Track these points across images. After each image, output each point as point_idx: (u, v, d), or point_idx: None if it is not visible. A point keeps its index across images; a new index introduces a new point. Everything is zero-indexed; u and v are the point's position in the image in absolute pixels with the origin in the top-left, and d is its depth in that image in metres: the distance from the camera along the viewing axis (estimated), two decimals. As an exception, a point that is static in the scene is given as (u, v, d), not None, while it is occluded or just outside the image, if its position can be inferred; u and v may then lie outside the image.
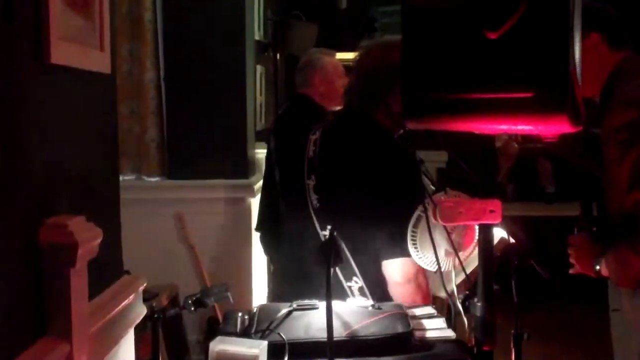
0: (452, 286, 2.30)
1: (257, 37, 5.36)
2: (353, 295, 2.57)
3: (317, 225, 2.62)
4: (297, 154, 2.75)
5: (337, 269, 2.52)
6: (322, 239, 2.55)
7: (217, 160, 4.80)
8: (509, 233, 2.67)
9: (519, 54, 1.80)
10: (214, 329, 4.24)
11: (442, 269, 2.34)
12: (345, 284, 2.58)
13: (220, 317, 4.06)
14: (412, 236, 2.36)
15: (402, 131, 2.63)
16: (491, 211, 2.03)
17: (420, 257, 2.38)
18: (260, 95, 5.60)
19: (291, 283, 2.74)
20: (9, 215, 1.58)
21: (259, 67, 5.47)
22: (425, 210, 2.28)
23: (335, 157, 2.68)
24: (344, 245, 2.46)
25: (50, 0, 1.68)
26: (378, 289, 2.58)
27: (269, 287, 4.91)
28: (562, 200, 6.83)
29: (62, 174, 1.83)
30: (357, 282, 2.58)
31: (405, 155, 2.54)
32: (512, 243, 2.64)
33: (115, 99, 2.28)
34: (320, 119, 4.42)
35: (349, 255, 2.54)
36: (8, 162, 1.56)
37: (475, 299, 2.06)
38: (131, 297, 2.19)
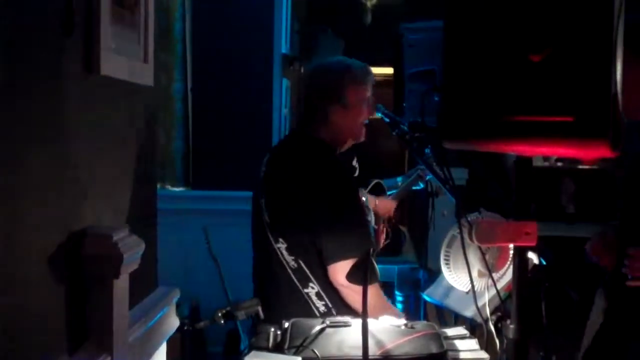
0: (486, 308, 2.30)
1: (284, 50, 5.39)
2: (311, 300, 2.69)
3: (271, 239, 2.75)
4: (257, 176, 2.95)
5: (293, 277, 2.70)
6: (278, 252, 2.72)
7: (242, 172, 4.80)
8: (539, 254, 2.67)
9: (561, 78, 1.80)
10: (233, 342, 4.24)
11: (475, 289, 2.34)
12: (303, 291, 2.70)
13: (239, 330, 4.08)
14: (446, 256, 2.36)
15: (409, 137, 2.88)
16: (527, 233, 2.04)
17: (453, 277, 2.38)
18: (286, 107, 5.62)
19: (260, 295, 2.83)
20: (55, 225, 1.60)
21: (284, 81, 5.50)
22: (460, 231, 2.29)
23: (279, 173, 2.82)
24: (296, 254, 2.68)
25: (101, 14, 1.71)
26: (334, 291, 2.67)
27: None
28: (583, 221, 6.80)
29: (106, 185, 1.85)
30: (313, 288, 2.69)
31: (339, 165, 2.79)
32: (542, 265, 2.64)
33: (156, 112, 2.30)
34: None
35: (302, 263, 2.69)
36: (57, 172, 1.58)
37: (508, 321, 2.06)
38: (166, 308, 2.20)
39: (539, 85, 1.82)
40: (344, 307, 2.65)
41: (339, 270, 2.63)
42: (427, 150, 3.27)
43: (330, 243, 2.64)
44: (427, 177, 3.84)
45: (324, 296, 2.68)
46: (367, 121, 2.93)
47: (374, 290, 2.63)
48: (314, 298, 2.69)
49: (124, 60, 1.92)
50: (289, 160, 2.84)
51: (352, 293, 2.61)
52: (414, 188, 4.19)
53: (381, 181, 4.09)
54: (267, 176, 2.85)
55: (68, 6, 1.52)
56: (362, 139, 2.95)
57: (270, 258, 2.75)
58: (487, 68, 1.92)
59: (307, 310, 2.65)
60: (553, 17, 1.80)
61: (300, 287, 2.70)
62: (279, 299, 2.73)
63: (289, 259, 2.70)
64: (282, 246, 2.71)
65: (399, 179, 4.11)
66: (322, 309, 2.68)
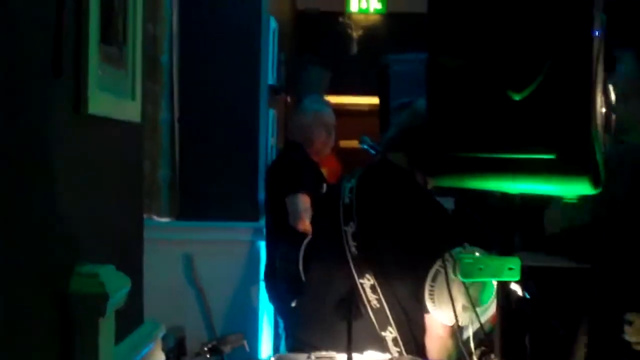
0: (470, 342, 2.32)
1: (270, 81, 5.43)
2: (387, 345, 2.56)
3: (354, 272, 2.58)
4: (330, 200, 2.76)
5: (373, 318, 2.52)
6: (359, 286, 2.54)
7: (228, 203, 4.83)
8: (523, 288, 2.69)
9: (542, 116, 1.84)
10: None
11: (460, 324, 2.35)
12: (380, 333, 2.56)
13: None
14: (430, 290, 2.38)
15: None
16: (510, 269, 2.06)
17: (438, 312, 2.39)
18: (272, 137, 5.65)
19: (320, 331, 2.69)
20: (41, 263, 1.60)
21: (271, 111, 5.53)
22: (444, 266, 2.31)
23: (377, 205, 2.68)
24: (381, 294, 2.50)
25: (89, 55, 1.73)
26: (412, 341, 2.58)
27: (286, 334, 4.88)
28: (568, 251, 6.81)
29: (92, 223, 1.86)
30: (391, 333, 2.55)
31: (442, 209, 2.65)
32: (526, 298, 2.66)
33: (142, 148, 2.32)
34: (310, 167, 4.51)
35: (385, 304, 2.54)
36: (43, 210, 1.59)
37: (492, 355, 2.07)
38: (152, 345, 2.21)
39: (522, 123, 1.86)
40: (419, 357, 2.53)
41: (439, 319, 2.50)
42: None
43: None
44: None
45: (400, 343, 2.55)
46: None
47: (452, 347, 2.55)
48: (390, 343, 2.55)
49: (112, 98, 1.94)
50: (387, 191, 2.71)
51: (447, 344, 2.53)
52: None
53: None
54: (359, 204, 2.67)
55: (57, 50, 1.53)
56: None
57: (348, 291, 2.51)
58: (470, 106, 1.95)
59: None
60: (534, 56, 1.84)
61: (378, 330, 2.55)
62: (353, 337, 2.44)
63: (372, 297, 2.54)
64: (366, 282, 2.55)
65: None
66: (395, 355, 2.52)
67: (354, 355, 2.10)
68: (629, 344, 2.58)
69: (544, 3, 1.86)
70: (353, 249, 2.59)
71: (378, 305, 2.54)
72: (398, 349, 2.53)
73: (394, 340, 2.55)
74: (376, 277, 2.52)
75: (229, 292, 4.75)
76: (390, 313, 2.54)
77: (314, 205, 3.71)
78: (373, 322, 2.53)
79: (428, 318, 2.55)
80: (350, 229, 2.62)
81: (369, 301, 2.53)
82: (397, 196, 2.69)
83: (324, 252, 2.75)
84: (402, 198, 2.68)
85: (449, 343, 2.54)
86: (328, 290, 2.66)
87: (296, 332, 2.85)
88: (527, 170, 1.86)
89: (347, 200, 2.69)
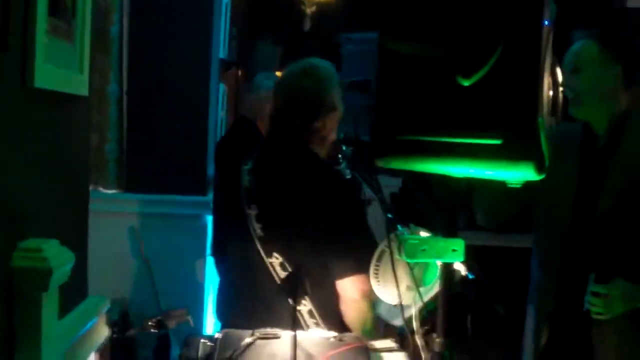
0: (413, 321, 2.35)
1: (221, 55, 5.39)
2: (304, 318, 2.58)
3: (262, 253, 2.61)
4: (232, 184, 2.76)
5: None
6: (269, 266, 2.57)
7: (176, 176, 4.79)
8: (467, 268, 2.73)
9: (490, 102, 1.86)
10: (163, 346, 4.23)
11: (404, 304, 2.38)
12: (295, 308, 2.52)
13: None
14: (375, 270, 2.40)
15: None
16: (454, 250, 2.10)
17: (382, 291, 2.42)
18: (222, 110, 5.62)
19: (245, 310, 2.70)
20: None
21: (221, 85, 5.50)
22: (389, 245, 2.33)
23: (275, 186, 2.70)
24: (290, 270, 2.52)
25: (37, 28, 1.71)
26: (327, 310, 2.60)
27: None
28: (512, 231, 6.92)
29: (38, 197, 1.85)
30: (305, 306, 2.59)
31: (342, 178, 2.64)
32: (470, 278, 2.70)
33: (89, 121, 2.30)
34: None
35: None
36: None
37: (434, 335, 2.11)
38: (96, 319, 2.20)
39: (469, 108, 1.88)
40: (335, 326, 2.57)
41: (350, 285, 2.57)
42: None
43: (341, 257, 2.56)
44: (347, 177, 3.86)
45: (315, 314, 2.58)
46: None
47: (371, 316, 2.61)
48: (306, 315, 2.58)
49: (59, 71, 1.92)
50: (285, 170, 2.72)
51: (362, 307, 2.58)
52: None
53: None
54: (259, 186, 2.71)
55: (3, 25, 1.51)
56: None
57: (259, 271, 2.59)
58: (418, 89, 1.97)
59: (297, 327, 2.41)
60: (483, 43, 1.86)
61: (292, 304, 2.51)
62: (265, 314, 2.54)
63: (282, 274, 2.57)
64: (275, 261, 2.58)
65: None
66: (312, 327, 2.56)
67: (298, 333, 2.12)
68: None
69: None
70: (258, 231, 2.62)
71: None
72: (314, 320, 2.56)
73: (309, 312, 2.58)
74: (283, 255, 2.54)
75: (174, 266, 4.72)
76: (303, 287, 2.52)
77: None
78: (287, 299, 2.48)
79: (340, 284, 2.59)
80: (253, 211, 2.65)
81: (279, 278, 2.56)
82: (292, 171, 2.70)
83: (234, 235, 2.77)
84: (297, 171, 2.70)
85: (364, 305, 2.58)
86: (242, 271, 2.71)
87: (217, 312, 2.88)
88: (472, 155, 1.88)
89: (247, 183, 2.71)
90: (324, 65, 2.83)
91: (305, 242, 2.57)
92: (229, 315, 2.80)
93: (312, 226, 2.59)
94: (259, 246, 2.61)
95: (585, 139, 2.83)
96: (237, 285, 2.78)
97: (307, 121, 2.72)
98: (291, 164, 2.73)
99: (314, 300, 2.59)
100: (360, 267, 2.48)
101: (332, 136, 2.78)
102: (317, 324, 2.57)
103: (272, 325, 2.42)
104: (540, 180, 1.86)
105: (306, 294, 2.24)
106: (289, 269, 2.55)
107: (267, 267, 2.58)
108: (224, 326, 2.69)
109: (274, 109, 2.84)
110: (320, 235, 2.57)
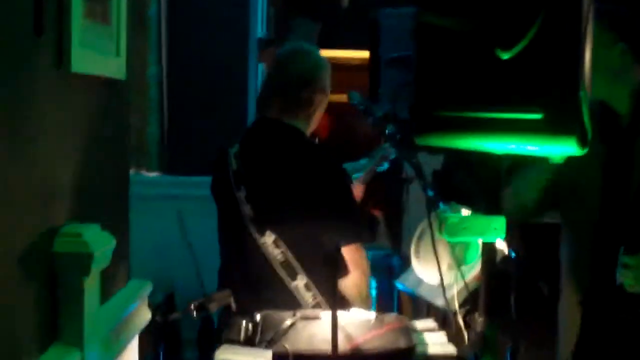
0: (455, 301, 2.33)
1: (259, 35, 5.37)
2: (300, 292, 2.64)
3: (255, 233, 2.67)
4: (221, 169, 2.85)
5: (280, 271, 2.63)
6: (262, 245, 2.64)
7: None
8: (509, 247, 2.70)
9: (530, 76, 1.82)
10: (207, 329, 4.25)
11: (445, 283, 2.37)
12: (291, 284, 2.64)
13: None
14: (416, 249, 2.39)
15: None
16: (495, 228, 2.07)
17: (423, 270, 2.41)
18: (262, 91, 5.61)
19: (249, 290, 2.75)
20: (26, 222, 1.60)
21: (260, 65, 5.48)
22: (430, 225, 2.31)
23: (262, 165, 2.76)
24: (284, 247, 2.61)
25: (72, 11, 1.71)
26: (323, 282, 2.64)
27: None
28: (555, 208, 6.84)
29: (78, 182, 1.85)
30: (302, 280, 2.64)
31: (328, 151, 2.78)
32: (512, 257, 2.67)
33: (128, 105, 2.30)
34: None
35: (290, 255, 2.63)
36: (26, 170, 1.58)
37: (476, 314, 2.09)
38: (138, 303, 2.21)
39: (509, 82, 1.85)
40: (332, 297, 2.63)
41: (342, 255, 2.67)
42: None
43: (330, 229, 2.63)
44: (392, 157, 3.85)
45: (313, 287, 2.64)
46: None
47: (365, 283, 2.73)
48: (302, 290, 2.64)
49: (96, 55, 1.92)
50: (272, 152, 2.77)
51: (355, 277, 2.67)
52: (378, 169, 4.19)
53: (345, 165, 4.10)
54: (247, 168, 2.76)
55: (38, 8, 1.51)
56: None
57: (252, 253, 2.67)
58: (457, 64, 1.94)
59: (295, 303, 2.60)
60: (522, 15, 1.82)
61: (288, 280, 2.64)
62: (263, 293, 2.64)
63: (276, 252, 2.63)
64: (268, 240, 2.65)
65: (363, 161, 4.12)
66: (310, 300, 2.63)
67: (339, 313, 2.12)
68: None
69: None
70: (249, 212, 2.68)
71: (283, 259, 2.63)
72: (311, 293, 2.62)
73: (306, 285, 2.63)
74: (276, 232, 2.62)
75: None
76: (297, 261, 2.63)
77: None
78: (282, 276, 2.62)
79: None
80: (242, 193, 2.70)
81: (273, 256, 2.62)
82: (278, 149, 2.76)
83: (226, 217, 2.86)
84: (283, 150, 2.76)
85: (356, 275, 2.60)
86: (238, 254, 2.79)
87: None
88: (513, 130, 1.85)
89: (234, 166, 2.77)
90: (310, 50, 2.95)
91: (295, 216, 2.64)
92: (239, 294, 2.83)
93: (301, 201, 2.66)
94: (250, 227, 2.66)
95: (604, 117, 2.77)
96: (232, 269, 2.85)
97: (293, 103, 2.79)
98: (276, 143, 2.79)
99: (309, 274, 2.65)
100: (349, 237, 2.52)
101: (318, 117, 2.89)
102: (314, 297, 2.64)
103: (272, 304, 2.50)
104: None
105: (347, 273, 2.25)
106: (282, 247, 2.62)
107: (260, 247, 2.65)
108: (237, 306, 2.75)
109: (260, 93, 2.90)
110: (309, 209, 2.64)
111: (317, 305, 2.61)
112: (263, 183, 2.72)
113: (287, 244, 2.62)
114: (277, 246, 2.63)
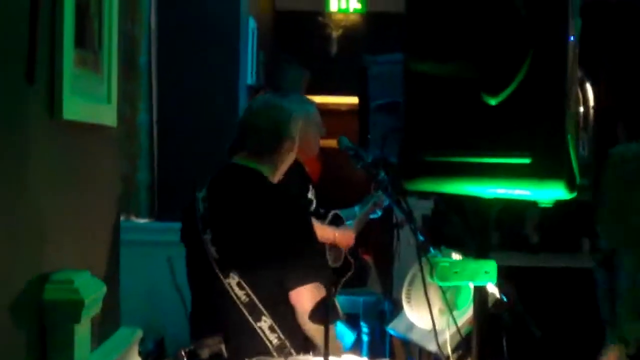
0: (447, 346, 2.33)
1: (249, 82, 5.41)
2: (265, 333, 2.68)
3: (220, 274, 2.72)
4: (188, 213, 2.94)
5: (245, 312, 2.67)
6: (227, 287, 2.69)
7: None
8: (500, 290, 2.70)
9: (517, 120, 1.85)
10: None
11: (437, 328, 2.36)
12: (256, 325, 2.68)
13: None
14: (407, 294, 2.39)
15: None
16: (486, 272, 2.07)
17: (415, 315, 2.40)
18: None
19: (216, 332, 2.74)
20: (15, 270, 1.60)
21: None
22: (421, 269, 2.31)
23: (227, 208, 2.83)
24: (248, 289, 2.66)
25: (64, 60, 1.72)
26: (287, 324, 2.70)
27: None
28: (547, 251, 6.85)
29: (68, 229, 1.86)
30: (265, 322, 2.68)
31: (289, 194, 2.89)
32: (504, 301, 2.67)
33: (119, 152, 2.31)
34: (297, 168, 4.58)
35: (254, 296, 2.67)
36: (17, 216, 1.59)
37: (469, 359, 2.08)
38: (129, 350, 2.20)
39: (497, 127, 1.87)
40: (297, 339, 2.68)
41: (303, 296, 2.66)
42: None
43: (291, 269, 2.67)
44: (385, 204, 3.87)
45: (277, 329, 2.68)
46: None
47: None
48: (267, 331, 2.68)
49: (87, 102, 1.93)
50: (236, 196, 2.85)
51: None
52: (371, 216, 4.21)
53: (339, 212, 4.11)
54: (212, 211, 2.83)
55: (30, 56, 1.53)
56: None
57: (218, 295, 2.72)
58: (445, 109, 1.96)
59: (259, 345, 2.64)
60: (509, 61, 1.85)
61: (253, 322, 2.67)
62: (230, 335, 2.64)
63: (240, 293, 2.68)
64: (232, 281, 2.69)
65: (357, 208, 4.15)
66: (275, 342, 2.67)
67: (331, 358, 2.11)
68: None
69: (520, 9, 1.87)
70: (214, 254, 2.74)
71: (247, 299, 2.67)
72: (276, 334, 2.67)
73: (270, 327, 2.68)
74: (240, 275, 2.67)
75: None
76: (261, 303, 2.68)
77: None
78: (247, 317, 2.67)
79: (294, 296, 2.68)
80: (208, 236, 2.77)
81: (238, 297, 2.68)
82: (242, 193, 2.84)
83: (194, 261, 2.93)
84: (246, 193, 2.83)
85: None
86: (206, 297, 2.88)
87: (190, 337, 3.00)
88: (501, 174, 1.87)
89: (201, 209, 2.85)
90: (281, 102, 3.07)
91: (257, 258, 2.71)
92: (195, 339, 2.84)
93: (263, 242, 2.72)
94: (216, 268, 2.72)
95: None
96: (200, 310, 2.95)
97: (260, 150, 2.89)
98: (239, 187, 2.88)
99: (273, 316, 2.69)
100: (311, 276, 2.56)
101: (286, 164, 2.98)
102: (279, 338, 2.68)
103: (233, 347, 2.54)
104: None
105: (339, 318, 2.26)
106: (246, 288, 2.67)
107: (225, 289, 2.70)
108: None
109: (233, 140, 3.02)
110: (271, 250, 2.70)
111: (281, 347, 2.65)
112: (226, 225, 2.79)
113: (249, 285, 2.68)
114: (241, 288, 2.68)
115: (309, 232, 2.83)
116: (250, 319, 2.68)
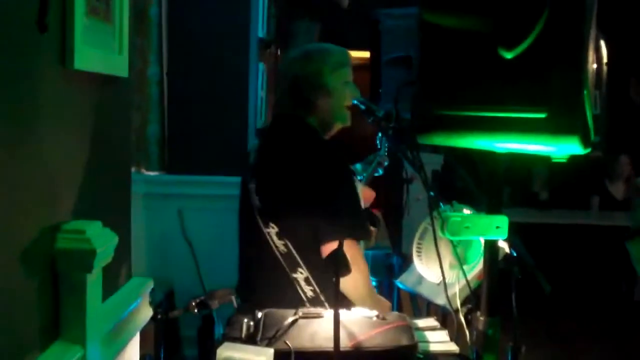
0: (456, 299, 2.33)
1: (260, 35, 5.37)
2: (300, 285, 2.69)
3: (261, 224, 2.74)
4: (246, 164, 2.98)
5: (282, 262, 2.68)
6: (267, 237, 2.71)
7: (217, 157, 4.80)
8: (510, 245, 2.70)
9: (533, 75, 1.82)
10: (208, 326, 4.25)
11: (447, 281, 2.37)
12: (291, 276, 2.68)
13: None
14: (418, 247, 2.39)
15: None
16: (497, 227, 2.07)
17: (425, 269, 2.41)
18: (262, 90, 5.61)
19: (249, 282, 2.93)
20: (27, 220, 1.60)
21: (261, 65, 5.49)
22: (432, 223, 2.31)
23: (270, 159, 2.85)
24: (286, 239, 2.67)
25: (75, 10, 1.71)
26: (323, 277, 2.67)
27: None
28: (555, 207, 6.86)
29: (79, 179, 1.85)
30: (302, 273, 2.69)
31: (332, 148, 2.79)
32: (514, 256, 2.67)
33: (130, 103, 2.30)
34: None
35: (291, 247, 2.68)
36: (28, 167, 1.59)
37: (478, 313, 2.09)
38: (139, 300, 2.21)
39: (512, 81, 1.84)
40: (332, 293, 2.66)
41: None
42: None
43: (325, 223, 2.65)
44: (386, 164, 3.87)
45: (312, 282, 2.68)
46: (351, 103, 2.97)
47: (363, 281, 2.69)
48: (302, 283, 2.68)
49: (98, 53, 1.92)
50: (280, 145, 2.85)
51: (348, 277, 2.62)
52: (375, 175, 4.22)
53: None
54: (258, 162, 2.87)
55: (42, 6, 1.51)
56: (349, 123, 3.01)
57: (259, 243, 2.74)
58: (459, 63, 1.93)
59: (295, 295, 2.65)
60: (526, 14, 1.82)
61: (289, 272, 2.68)
62: (266, 283, 2.74)
63: (279, 243, 2.69)
64: (272, 230, 2.71)
65: (358, 165, 4.14)
66: (309, 294, 2.68)
67: (341, 311, 2.11)
68: None
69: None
70: (257, 203, 2.77)
71: (286, 250, 2.68)
72: (311, 287, 2.67)
73: (306, 279, 2.69)
74: (279, 225, 2.68)
75: (217, 246, 4.74)
76: (298, 255, 2.68)
77: None
78: (284, 267, 2.68)
79: (324, 249, 2.64)
80: (253, 185, 2.81)
81: (276, 247, 2.69)
82: (285, 144, 2.84)
83: (242, 210, 2.97)
84: (289, 144, 2.83)
85: (353, 275, 2.62)
86: (247, 244, 2.94)
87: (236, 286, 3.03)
88: (516, 129, 1.85)
89: (251, 159, 2.91)
90: (323, 47, 2.99)
91: (293, 210, 2.69)
92: (240, 288, 2.98)
93: (301, 194, 2.69)
94: (258, 218, 2.74)
95: None
96: (244, 259, 2.99)
97: (301, 103, 2.85)
98: (285, 138, 2.86)
99: (309, 268, 2.69)
100: (345, 232, 2.54)
101: (332, 116, 2.92)
102: (313, 291, 2.67)
103: (269, 295, 2.60)
104: None
105: (349, 272, 2.26)
106: (284, 238, 2.68)
107: (266, 238, 2.71)
108: (241, 299, 2.89)
109: (277, 92, 2.99)
110: (308, 203, 2.67)
111: (315, 299, 2.66)
112: (269, 176, 2.80)
113: (287, 236, 2.68)
114: (279, 238, 2.69)
115: (349, 189, 2.79)
116: (286, 269, 2.69)
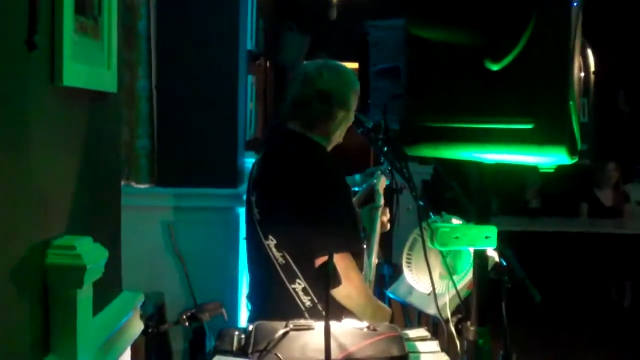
0: (447, 309, 2.34)
1: (249, 47, 5.39)
2: (299, 295, 2.75)
3: (261, 235, 2.80)
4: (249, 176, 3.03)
5: (281, 273, 2.75)
6: (267, 248, 2.77)
7: (207, 169, 4.81)
8: (500, 254, 2.71)
9: (519, 86, 1.84)
10: (199, 339, 4.25)
11: (437, 291, 2.38)
12: (290, 287, 2.75)
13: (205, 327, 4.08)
14: (408, 258, 2.40)
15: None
16: (486, 237, 2.08)
17: (415, 279, 2.42)
18: (251, 102, 5.62)
19: (256, 289, 2.99)
20: (17, 236, 1.60)
21: (249, 77, 5.50)
22: (421, 234, 2.32)
23: (270, 172, 2.90)
24: (284, 251, 2.73)
25: (64, 27, 1.72)
26: (320, 287, 2.68)
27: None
28: (546, 215, 6.88)
29: (70, 194, 1.86)
30: (300, 284, 2.75)
31: (333, 162, 2.84)
32: (504, 265, 2.68)
33: (119, 118, 2.30)
34: None
35: (289, 259, 2.75)
36: (19, 183, 1.59)
37: (468, 323, 2.10)
38: (130, 314, 2.21)
39: (499, 93, 1.86)
40: (330, 303, 2.68)
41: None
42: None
43: (319, 237, 2.68)
44: (387, 183, 3.88)
45: (310, 292, 2.74)
46: None
47: (356, 292, 2.74)
48: (301, 294, 2.74)
49: (87, 69, 1.93)
50: (281, 157, 2.90)
51: (341, 288, 2.63)
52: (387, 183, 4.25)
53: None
54: (259, 174, 2.92)
55: (31, 24, 1.52)
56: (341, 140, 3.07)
57: (260, 254, 2.81)
58: (447, 75, 1.95)
59: (293, 306, 2.71)
60: (512, 26, 1.84)
61: (287, 283, 2.74)
62: (267, 294, 2.82)
63: (277, 255, 2.74)
64: (271, 242, 2.76)
65: (357, 176, 4.16)
66: (307, 304, 2.74)
67: (332, 323, 2.12)
68: None
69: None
70: (257, 215, 2.85)
71: (284, 262, 2.75)
72: (309, 297, 2.74)
73: (304, 290, 2.75)
74: (277, 237, 2.75)
75: (208, 259, 4.75)
76: (295, 266, 2.75)
77: None
78: (283, 278, 2.74)
79: (317, 265, 2.67)
80: (254, 198, 2.88)
81: (275, 259, 2.76)
82: (286, 158, 2.88)
83: (246, 223, 3.01)
84: (290, 158, 2.87)
85: (346, 286, 2.64)
86: (249, 255, 3.00)
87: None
88: (503, 141, 1.87)
89: (254, 172, 2.97)
90: (340, 67, 3.02)
91: (289, 223, 2.75)
92: (249, 297, 3.04)
93: (294, 208, 2.74)
94: (258, 230, 2.81)
95: None
96: (248, 269, 3.05)
97: (312, 116, 2.89)
98: (286, 153, 2.90)
99: (307, 278, 2.75)
100: (334, 245, 2.57)
101: (339, 133, 2.98)
102: (311, 300, 2.74)
103: (269, 305, 2.70)
104: None
105: (339, 283, 2.27)
106: (282, 251, 2.74)
107: (266, 250, 2.77)
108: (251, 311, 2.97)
109: (285, 102, 3.00)
110: (300, 216, 2.72)
111: (313, 309, 2.71)
112: (267, 188, 2.86)
113: (285, 248, 2.74)
114: (278, 249, 2.75)
115: (346, 204, 2.84)
116: (285, 280, 2.75)
